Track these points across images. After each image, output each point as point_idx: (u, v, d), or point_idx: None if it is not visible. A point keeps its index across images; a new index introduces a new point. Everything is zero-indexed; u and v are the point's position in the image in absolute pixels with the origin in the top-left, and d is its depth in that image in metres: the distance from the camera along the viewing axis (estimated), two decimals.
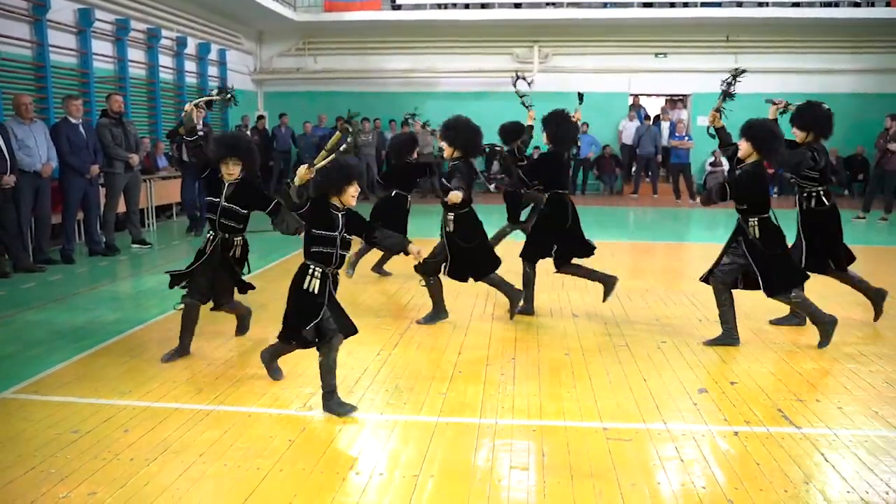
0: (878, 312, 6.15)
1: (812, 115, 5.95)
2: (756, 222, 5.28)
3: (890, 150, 12.79)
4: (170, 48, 14.39)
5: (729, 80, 5.79)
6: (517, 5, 17.17)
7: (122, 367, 4.91)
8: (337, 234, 4.21)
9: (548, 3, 16.98)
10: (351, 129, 4.37)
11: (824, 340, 5.41)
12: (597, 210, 15.14)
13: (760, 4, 16.67)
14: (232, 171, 4.95)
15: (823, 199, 5.96)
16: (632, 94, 18.45)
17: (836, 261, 5.99)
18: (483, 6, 17.26)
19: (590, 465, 3.51)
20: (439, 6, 17.32)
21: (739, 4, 16.73)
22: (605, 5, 16.92)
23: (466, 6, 17.29)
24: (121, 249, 9.39)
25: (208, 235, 5.12)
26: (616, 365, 5.03)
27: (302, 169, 4.08)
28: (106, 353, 5.24)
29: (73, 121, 8.75)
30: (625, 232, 12.34)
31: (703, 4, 16.64)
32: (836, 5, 16.57)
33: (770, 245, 5.27)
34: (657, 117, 18.32)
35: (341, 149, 4.27)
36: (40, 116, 9.47)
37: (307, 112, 17.63)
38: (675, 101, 19.15)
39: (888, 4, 16.46)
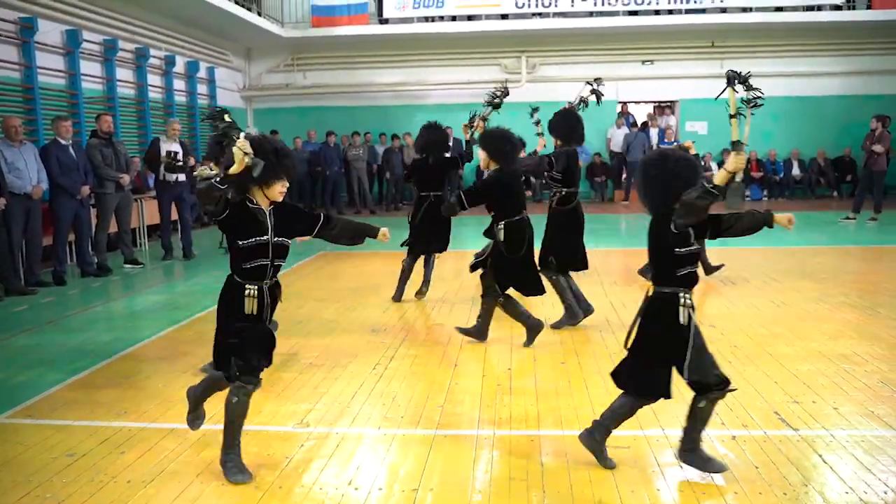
0: (562, 323, 6.24)
1: (555, 121, 6.25)
2: (503, 226, 5.42)
3: (875, 152, 12.86)
4: (158, 67, 14.40)
5: (496, 93, 6.15)
6: (504, 16, 17.26)
7: (116, 389, 4.89)
8: None
9: (534, 14, 17.07)
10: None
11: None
12: (589, 217, 15.13)
13: (744, 10, 16.80)
14: (282, 191, 3.52)
15: (569, 198, 6.25)
16: (620, 102, 18.55)
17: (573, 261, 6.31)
18: (470, 18, 17.33)
19: (589, 474, 3.51)
20: (427, 19, 17.39)
21: (724, 10, 16.86)
22: (591, 14, 17.02)
23: (454, 18, 17.36)
24: (113, 270, 9.36)
25: (250, 292, 3.50)
26: None
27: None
28: (100, 375, 5.22)
29: (63, 142, 8.74)
30: (617, 239, 12.38)
31: (687, 11, 16.76)
32: (819, 9, 16.70)
33: (511, 249, 5.43)
34: (645, 124, 18.44)
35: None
36: (30, 138, 9.46)
37: (297, 127, 17.65)
38: (662, 108, 19.27)
39: (869, 7, 16.62)
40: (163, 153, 9.90)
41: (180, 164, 9.98)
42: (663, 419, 4.17)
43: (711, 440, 3.87)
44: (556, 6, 16.83)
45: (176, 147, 10.03)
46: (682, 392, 4.60)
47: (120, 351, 5.79)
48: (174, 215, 10.60)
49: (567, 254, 6.19)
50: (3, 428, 4.26)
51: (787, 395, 4.52)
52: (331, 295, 7.69)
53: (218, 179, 3.33)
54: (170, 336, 6.26)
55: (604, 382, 4.82)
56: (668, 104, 19.03)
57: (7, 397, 4.76)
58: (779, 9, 16.83)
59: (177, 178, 10.10)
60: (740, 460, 3.63)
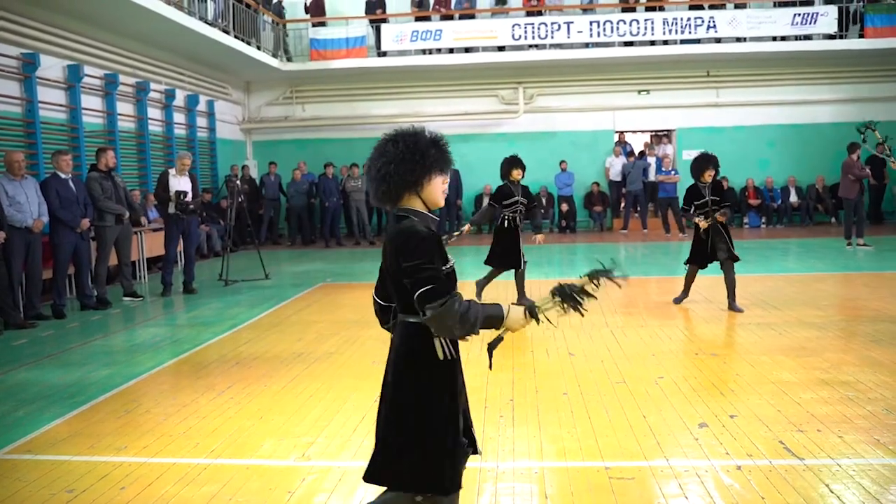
0: None
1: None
2: None
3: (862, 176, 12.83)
4: (158, 101, 14.53)
5: None
6: (500, 48, 17.44)
7: (116, 423, 4.85)
8: None
9: (531, 46, 17.26)
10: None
11: None
12: (587, 247, 15.20)
13: (739, 40, 17.01)
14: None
15: None
16: (617, 132, 18.69)
17: None
18: (467, 50, 17.52)
19: None
20: (424, 52, 17.58)
21: (718, 41, 17.06)
22: (587, 45, 17.21)
23: (451, 51, 17.55)
24: (112, 303, 9.34)
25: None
26: (615, 403, 5.00)
27: None
28: (100, 409, 5.18)
29: (63, 176, 8.77)
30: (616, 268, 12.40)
31: (682, 42, 16.96)
32: (813, 38, 16.89)
33: None
34: (642, 153, 18.56)
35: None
36: (30, 172, 9.49)
37: (296, 159, 17.76)
38: (659, 137, 19.41)
39: (861, 36, 16.83)
40: (171, 188, 9.81)
41: (192, 206, 9.92)
42: (668, 450, 4.14)
43: (716, 471, 3.84)
44: (552, 38, 17.02)
45: (185, 180, 9.96)
46: (685, 423, 4.58)
47: (119, 385, 5.75)
48: (179, 248, 10.58)
49: None
50: (1, 464, 4.21)
51: (792, 423, 4.49)
52: (331, 326, 7.67)
53: None
54: (170, 370, 6.24)
55: (606, 412, 4.80)
56: (665, 133, 19.17)
57: (6, 433, 4.71)
58: (772, 38, 17.04)
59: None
60: (746, 490, 3.60)
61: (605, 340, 6.82)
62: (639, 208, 17.62)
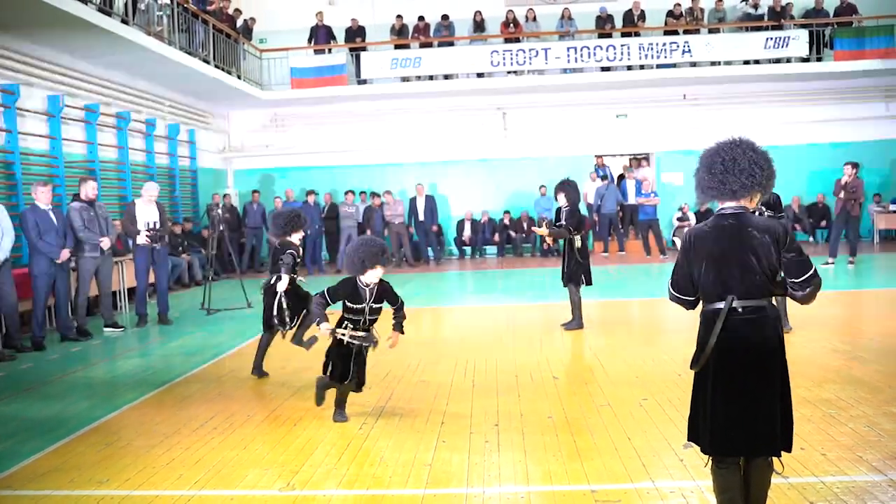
0: None
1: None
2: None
3: (841, 199, 13.11)
4: (139, 130, 14.51)
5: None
6: (480, 75, 17.61)
7: (98, 456, 4.79)
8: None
9: (510, 72, 17.44)
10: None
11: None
12: None
13: (713, 63, 17.29)
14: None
15: None
16: (596, 155, 18.88)
17: None
18: (447, 77, 17.68)
19: None
20: (404, 79, 17.70)
21: (694, 65, 17.33)
22: (564, 71, 17.42)
23: (431, 78, 17.69)
24: (93, 334, 9.24)
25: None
26: (600, 425, 5.01)
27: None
28: (81, 442, 5.11)
29: (43, 206, 8.70)
30: (597, 290, 12.45)
31: (658, 66, 17.21)
32: (788, 61, 17.20)
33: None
34: (622, 176, 18.74)
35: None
36: (9, 203, 9.40)
37: (277, 187, 17.78)
38: (639, 160, 19.62)
39: (835, 59, 17.18)
40: (139, 219, 9.74)
41: (160, 234, 9.87)
42: (653, 472, 4.15)
43: (702, 491, 3.85)
44: (530, 64, 17.22)
45: (153, 210, 9.90)
46: (669, 444, 4.60)
47: (100, 417, 5.68)
48: (151, 279, 10.45)
49: None
50: None
51: None
52: (314, 354, 7.60)
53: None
54: (151, 401, 6.17)
55: (591, 435, 4.81)
56: (644, 156, 19.38)
57: None
58: (745, 62, 17.36)
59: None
60: None
61: (589, 363, 6.84)
62: (612, 231, 17.77)
